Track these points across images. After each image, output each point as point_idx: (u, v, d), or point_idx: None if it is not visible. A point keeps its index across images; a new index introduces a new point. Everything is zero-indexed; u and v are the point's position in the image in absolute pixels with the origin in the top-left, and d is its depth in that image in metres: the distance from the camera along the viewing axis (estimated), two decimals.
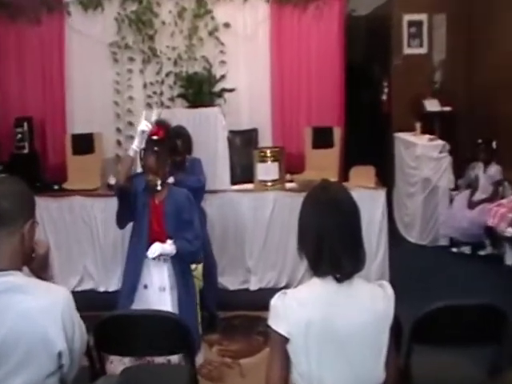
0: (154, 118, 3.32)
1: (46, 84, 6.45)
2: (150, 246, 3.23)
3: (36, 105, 6.47)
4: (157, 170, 3.21)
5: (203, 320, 3.84)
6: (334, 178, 5.31)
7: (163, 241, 3.24)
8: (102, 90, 6.39)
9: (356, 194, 1.88)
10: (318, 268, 1.74)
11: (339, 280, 1.73)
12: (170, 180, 3.75)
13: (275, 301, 1.78)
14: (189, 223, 3.28)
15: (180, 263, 3.32)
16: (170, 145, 3.35)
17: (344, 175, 5.52)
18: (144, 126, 3.24)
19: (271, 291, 1.86)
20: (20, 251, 1.69)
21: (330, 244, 1.70)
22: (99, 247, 5.22)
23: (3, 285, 1.62)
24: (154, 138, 3.21)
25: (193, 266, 3.99)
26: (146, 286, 3.27)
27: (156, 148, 3.19)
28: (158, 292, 3.25)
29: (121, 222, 3.43)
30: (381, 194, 5.02)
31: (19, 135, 6.07)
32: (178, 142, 4.14)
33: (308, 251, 1.76)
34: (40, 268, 1.83)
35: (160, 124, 3.29)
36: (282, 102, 6.44)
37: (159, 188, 3.24)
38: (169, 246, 3.22)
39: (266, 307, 1.87)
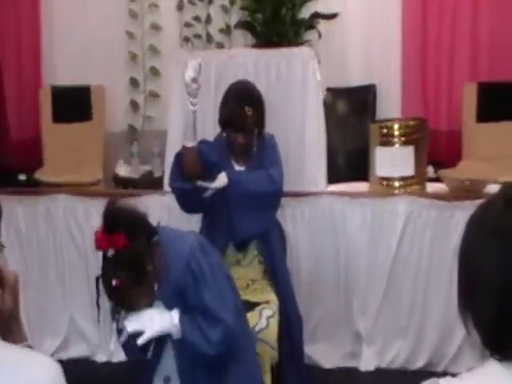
0: (188, 74, 3.65)
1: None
2: None
3: None
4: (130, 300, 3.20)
5: None
6: None
7: None
8: (106, 13, 6.53)
9: None
10: (500, 345, 1.77)
11: None
12: (220, 180, 4.15)
13: None
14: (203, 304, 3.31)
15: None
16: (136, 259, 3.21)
17: None
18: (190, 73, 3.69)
19: (398, 375, 1.88)
20: None
21: None
22: None
23: None
24: (109, 255, 3.09)
25: (262, 323, 4.16)
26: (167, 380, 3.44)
27: (114, 272, 3.10)
28: None
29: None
30: None
31: None
32: (246, 109, 4.30)
33: (480, 315, 1.79)
34: (5, 320, 1.89)
35: (111, 226, 3.08)
36: (424, 38, 6.52)
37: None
38: (168, 320, 3.26)
39: None
